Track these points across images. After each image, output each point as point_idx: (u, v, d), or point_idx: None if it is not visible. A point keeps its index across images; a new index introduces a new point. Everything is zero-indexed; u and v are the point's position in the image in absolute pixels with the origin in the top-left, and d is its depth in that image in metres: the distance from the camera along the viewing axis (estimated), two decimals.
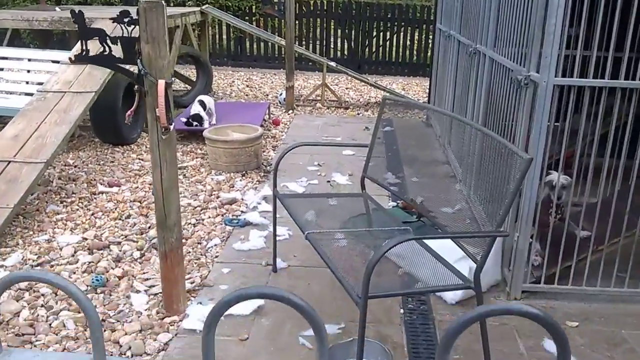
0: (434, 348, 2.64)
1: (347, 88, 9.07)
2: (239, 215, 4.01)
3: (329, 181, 4.78)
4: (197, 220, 3.93)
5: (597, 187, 2.96)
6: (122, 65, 2.52)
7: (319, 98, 7.89)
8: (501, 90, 3.37)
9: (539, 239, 3.07)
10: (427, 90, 7.39)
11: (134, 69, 2.50)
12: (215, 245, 3.58)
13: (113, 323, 2.77)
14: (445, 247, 2.58)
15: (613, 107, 2.77)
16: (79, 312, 2.83)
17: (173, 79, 2.44)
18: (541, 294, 3.04)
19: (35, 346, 2.59)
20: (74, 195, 4.28)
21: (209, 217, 3.96)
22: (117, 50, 2.51)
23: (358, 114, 7.44)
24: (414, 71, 10.50)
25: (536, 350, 2.63)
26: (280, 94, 7.81)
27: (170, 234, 2.70)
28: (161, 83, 2.37)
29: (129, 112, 2.60)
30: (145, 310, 2.88)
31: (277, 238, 3.54)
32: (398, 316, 2.86)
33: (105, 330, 2.70)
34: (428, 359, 2.57)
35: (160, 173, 2.59)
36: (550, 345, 2.65)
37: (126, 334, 2.68)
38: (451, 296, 2.98)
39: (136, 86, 2.49)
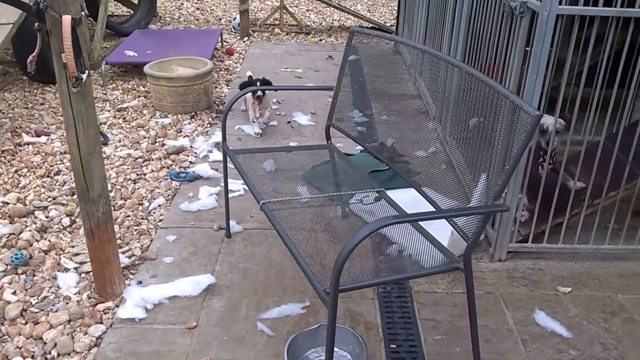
0: (412, 327, 2.30)
1: (307, 10, 8.36)
2: (187, 167, 3.53)
3: (289, 122, 4.29)
4: (137, 175, 3.43)
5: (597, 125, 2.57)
6: None
7: (277, 22, 7.22)
8: (487, 20, 2.88)
9: (526, 191, 2.70)
10: (396, 13, 6.79)
11: (32, 1, 1.92)
12: (159, 205, 3.12)
13: (36, 313, 2.33)
14: (419, 202, 2.20)
15: (605, 35, 2.35)
16: None
17: (83, 13, 1.86)
18: (529, 254, 2.72)
19: None
20: None
21: (152, 171, 3.47)
22: None
23: (320, 39, 6.84)
24: None
25: (527, 324, 2.32)
26: (234, 19, 7.10)
27: (96, 208, 2.22)
28: (66, 19, 1.81)
29: (30, 59, 2.04)
30: (75, 294, 2.44)
31: (231, 195, 3.10)
32: (370, 289, 2.50)
33: (26, 324, 2.27)
34: (406, 341, 2.23)
35: (76, 135, 2.07)
36: (542, 317, 2.35)
37: (51, 327, 2.26)
38: (429, 262, 2.62)
39: (36, 24, 1.92)
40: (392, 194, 2.47)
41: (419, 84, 4.74)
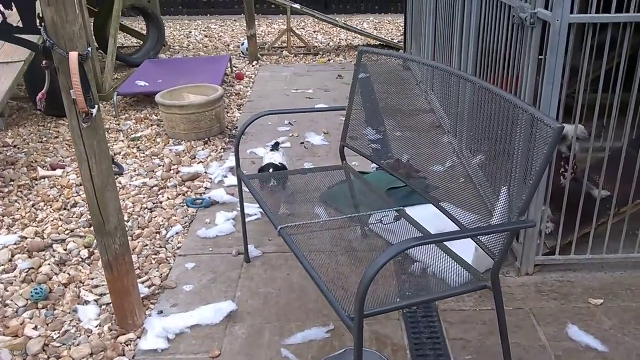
0: (441, 347, 2.24)
1: (314, 32, 8.42)
2: (203, 194, 3.51)
3: (302, 143, 4.28)
4: (154, 203, 3.42)
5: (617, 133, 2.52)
6: (23, 37, 1.94)
7: (285, 45, 7.26)
8: (497, 32, 2.85)
9: (549, 203, 2.64)
10: (403, 30, 6.81)
11: (39, 39, 1.93)
12: (177, 233, 3.09)
13: (58, 348, 2.30)
14: (440, 217, 2.15)
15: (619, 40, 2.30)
16: (16, 337, 2.35)
17: (90, 48, 1.85)
18: (556, 267, 2.65)
19: None
20: (12, 183, 3.71)
21: (168, 199, 3.46)
22: (15, 17, 1.93)
23: (329, 60, 6.86)
24: (386, 7, 9.84)
25: (560, 339, 2.25)
26: (242, 44, 7.15)
27: (113, 240, 2.20)
28: (73, 56, 1.81)
29: (39, 96, 2.04)
30: (96, 327, 2.41)
31: (248, 219, 3.08)
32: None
33: (48, 359, 2.24)
34: None
35: (90, 169, 2.06)
36: (575, 332, 2.28)
37: None
38: (455, 280, 2.56)
39: (44, 62, 1.92)
40: (412, 211, 2.43)
41: (431, 99, 4.71)
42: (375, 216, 2.41)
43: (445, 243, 2.08)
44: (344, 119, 2.79)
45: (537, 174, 1.64)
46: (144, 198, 3.47)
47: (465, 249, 2.15)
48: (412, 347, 2.25)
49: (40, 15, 1.83)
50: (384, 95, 5.23)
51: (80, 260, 2.88)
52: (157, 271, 2.76)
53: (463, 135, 3.62)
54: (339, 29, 7.88)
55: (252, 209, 3.22)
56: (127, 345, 2.30)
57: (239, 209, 3.11)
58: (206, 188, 3.60)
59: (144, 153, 4.17)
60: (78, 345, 2.30)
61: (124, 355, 2.25)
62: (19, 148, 4.33)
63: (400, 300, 1.80)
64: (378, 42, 7.21)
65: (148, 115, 4.98)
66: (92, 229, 3.11)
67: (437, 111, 4.45)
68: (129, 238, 2.39)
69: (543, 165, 1.62)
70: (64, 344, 2.32)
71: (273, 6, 8.85)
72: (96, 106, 1.92)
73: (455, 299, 2.49)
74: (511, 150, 2.00)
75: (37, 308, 2.54)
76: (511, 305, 2.44)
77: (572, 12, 2.13)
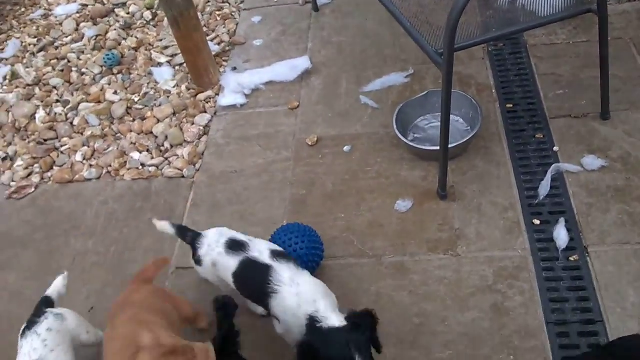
0: (530, 84, 2.11)
1: None
2: None
3: None
4: None
5: None
6: None
7: None
8: None
9: None
10: None
11: None
12: None
13: (141, 110, 2.35)
14: None
15: None
16: (99, 103, 2.41)
17: None
18: None
19: (62, 153, 2.25)
20: None
21: None
22: None
23: None
24: None
25: None
26: None
27: None
28: None
29: None
30: (174, 87, 2.41)
31: None
32: (480, 48, 2.27)
33: (134, 121, 2.31)
34: (524, 99, 2.06)
35: None
36: None
37: (158, 121, 2.28)
38: (547, 9, 2.30)
39: None
40: None
41: None
42: None
43: None
44: None
45: None
46: None
47: None
48: (497, 85, 2.13)
49: None
50: None
51: (145, 22, 2.79)
52: (224, 27, 2.65)
53: None
54: None
55: None
56: (207, 102, 2.32)
57: None
58: None
59: None
60: (160, 105, 2.34)
61: (205, 112, 2.28)
62: None
63: (487, 33, 1.62)
64: None
65: None
66: None
67: None
68: None
69: None
70: (145, 106, 2.36)
71: None
72: None
73: (547, 32, 2.27)
74: None
75: (113, 74, 2.55)
76: (609, 35, 2.19)
77: None
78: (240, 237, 1.48)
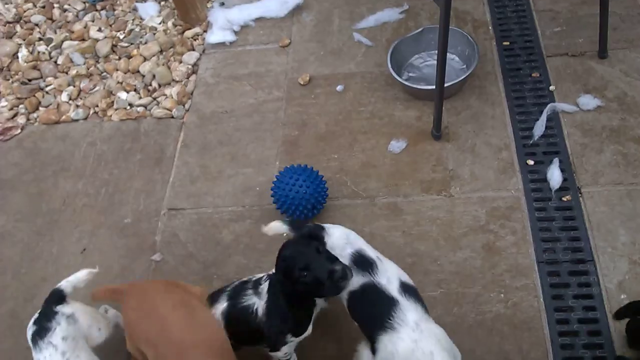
0: (527, 20, 2.05)
1: None
2: None
3: None
4: None
5: None
6: None
7: None
8: None
9: None
10: None
11: None
12: None
13: (126, 47, 2.27)
14: None
15: None
16: (83, 41, 2.33)
17: None
18: None
19: (47, 93, 2.19)
20: None
21: None
22: None
23: None
24: None
25: None
26: None
27: None
28: None
29: None
30: (160, 24, 2.33)
31: None
32: None
33: (120, 59, 2.24)
34: (521, 37, 2.01)
35: None
36: None
37: (145, 59, 2.21)
38: None
39: None
40: None
41: None
42: None
43: None
44: None
45: None
46: None
47: None
48: (494, 22, 2.07)
49: None
50: None
51: None
52: None
53: None
54: None
55: None
56: (195, 40, 2.25)
57: None
58: None
59: None
60: (145, 43, 2.26)
61: (193, 49, 2.21)
62: None
63: None
64: None
65: None
66: None
67: None
68: None
69: None
70: (131, 43, 2.28)
71: None
72: None
73: None
74: None
75: (96, 10, 2.45)
76: None
77: None
78: (369, 252, 1.27)
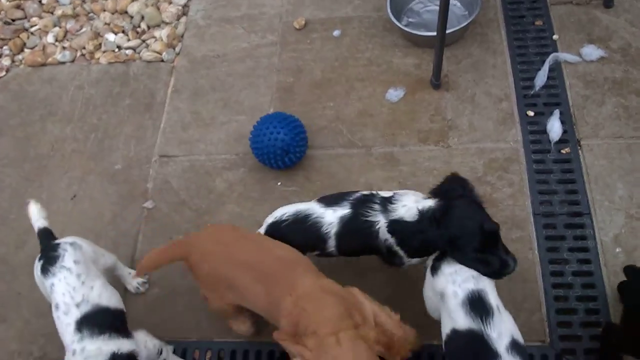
0: None
1: None
2: None
3: None
4: None
5: None
6: None
7: None
8: None
9: None
10: None
11: None
12: None
13: None
14: None
15: None
16: None
17: None
18: None
19: (32, 34, 2.10)
20: None
21: None
22: None
23: None
24: None
25: None
26: None
27: None
28: None
29: None
30: None
31: None
32: None
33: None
34: None
35: None
36: None
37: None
38: None
39: None
40: None
41: None
42: None
43: None
44: None
45: None
46: None
47: None
48: None
49: None
50: None
51: None
52: None
53: None
54: None
55: None
56: None
57: None
58: None
59: None
60: None
61: None
62: None
63: None
64: None
65: None
66: None
67: None
68: None
69: None
70: None
71: None
72: None
73: None
74: None
75: None
76: None
77: None
78: (491, 298, 1.15)
